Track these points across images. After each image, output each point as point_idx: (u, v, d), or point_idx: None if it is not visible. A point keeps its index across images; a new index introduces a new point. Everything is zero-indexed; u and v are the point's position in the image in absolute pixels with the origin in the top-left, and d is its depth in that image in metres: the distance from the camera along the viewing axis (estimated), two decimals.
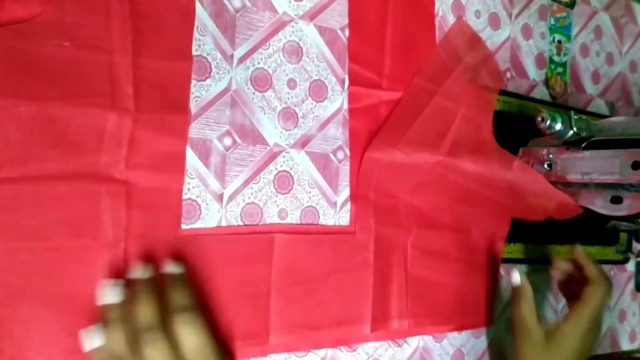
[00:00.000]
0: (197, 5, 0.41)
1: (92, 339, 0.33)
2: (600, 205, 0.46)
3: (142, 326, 0.32)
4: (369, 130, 0.49)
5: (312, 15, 0.47)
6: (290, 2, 0.46)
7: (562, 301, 0.64)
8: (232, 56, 0.43)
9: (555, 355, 0.47)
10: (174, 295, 0.35)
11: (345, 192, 0.48)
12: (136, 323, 0.33)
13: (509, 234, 0.56)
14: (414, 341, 0.51)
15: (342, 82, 0.48)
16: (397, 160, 0.47)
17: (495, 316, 0.56)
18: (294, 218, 0.45)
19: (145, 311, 0.33)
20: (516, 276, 0.50)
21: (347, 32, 0.48)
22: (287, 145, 0.45)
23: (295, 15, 0.46)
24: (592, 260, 0.51)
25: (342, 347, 0.47)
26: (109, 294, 0.35)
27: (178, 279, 0.36)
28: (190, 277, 0.38)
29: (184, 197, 0.40)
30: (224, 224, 0.42)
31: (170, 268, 0.37)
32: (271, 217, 0.44)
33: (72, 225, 0.35)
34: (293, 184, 0.45)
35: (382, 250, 0.48)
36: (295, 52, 0.46)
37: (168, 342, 0.32)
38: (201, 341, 0.33)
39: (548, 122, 0.44)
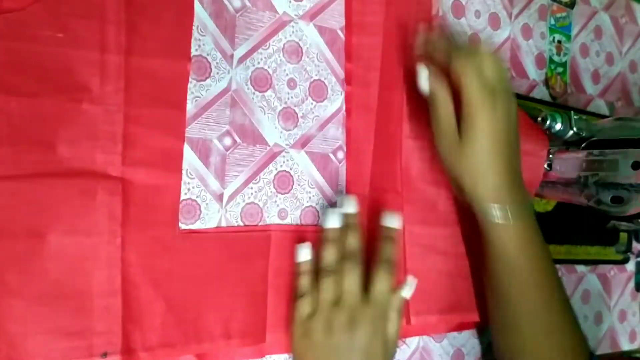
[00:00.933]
0: (197, 4, 0.41)
1: (304, 253, 0.43)
2: (600, 205, 0.46)
3: (349, 252, 0.42)
4: (365, 129, 0.48)
5: (312, 15, 0.47)
6: (290, 2, 0.46)
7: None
8: (232, 56, 0.43)
9: (472, 151, 0.41)
10: (384, 247, 0.43)
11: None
12: (346, 248, 0.42)
13: None
14: (414, 341, 0.51)
15: (342, 82, 0.48)
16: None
17: None
18: (293, 218, 0.45)
19: (353, 242, 0.42)
20: (423, 84, 0.44)
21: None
22: (287, 145, 0.45)
23: (295, 15, 0.46)
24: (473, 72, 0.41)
25: None
26: (332, 219, 0.43)
27: (391, 236, 0.44)
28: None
29: (183, 197, 0.40)
30: (223, 224, 0.42)
31: (390, 221, 0.44)
32: (271, 217, 0.44)
33: (68, 222, 0.35)
34: (293, 184, 0.45)
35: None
36: (295, 52, 0.46)
37: (361, 273, 0.42)
38: (388, 289, 0.42)
39: (548, 122, 0.44)
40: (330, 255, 0.42)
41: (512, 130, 0.42)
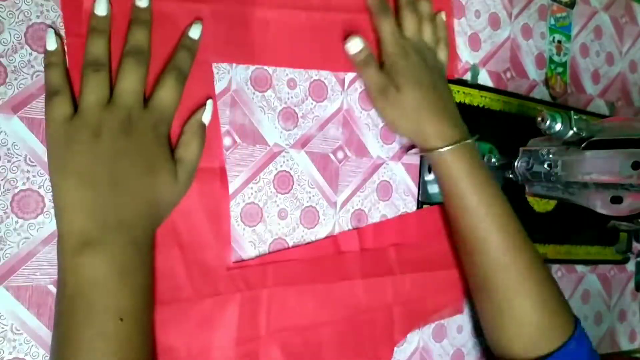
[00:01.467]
0: None
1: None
2: (600, 205, 0.46)
3: (132, 47, 0.36)
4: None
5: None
6: None
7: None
8: None
9: (404, 101, 0.45)
10: (178, 52, 0.39)
11: (346, 192, 0.48)
12: (129, 42, 0.36)
13: None
14: (414, 341, 0.51)
15: (342, 82, 0.48)
16: None
17: None
18: (293, 218, 0.45)
19: (140, 38, 0.37)
20: (355, 43, 0.46)
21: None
22: (287, 145, 0.45)
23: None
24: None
25: None
26: (100, 4, 0.35)
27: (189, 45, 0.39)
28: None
29: None
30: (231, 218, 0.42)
31: (193, 32, 0.39)
32: (271, 217, 0.44)
33: None
34: (293, 184, 0.45)
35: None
36: None
37: (144, 76, 0.36)
38: (173, 99, 0.37)
39: (548, 122, 0.44)
40: (97, 47, 0.35)
41: (432, 75, 0.47)
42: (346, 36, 0.46)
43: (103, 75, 0.35)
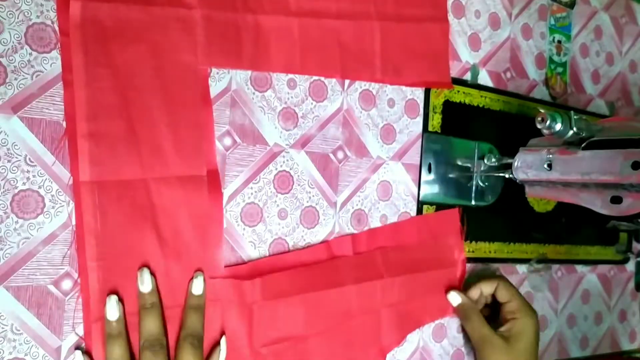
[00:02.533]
0: None
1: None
2: (600, 205, 0.46)
3: (147, 340, 0.36)
4: None
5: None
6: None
7: (562, 301, 0.64)
8: None
9: (519, 350, 0.49)
10: (188, 318, 0.38)
11: (345, 192, 0.48)
12: (143, 335, 0.37)
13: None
14: (414, 341, 0.51)
15: (342, 82, 0.48)
16: None
17: None
18: (293, 218, 0.45)
19: (152, 326, 0.37)
20: (453, 297, 0.51)
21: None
22: (287, 145, 0.45)
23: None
24: (516, 292, 0.53)
25: None
26: (111, 310, 0.36)
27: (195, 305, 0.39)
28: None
29: None
30: (224, 224, 0.42)
31: (195, 288, 0.39)
32: (271, 217, 0.44)
33: None
34: (293, 184, 0.45)
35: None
36: None
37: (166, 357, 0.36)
38: None
39: (548, 122, 0.44)
40: (116, 353, 0.35)
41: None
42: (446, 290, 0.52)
43: None
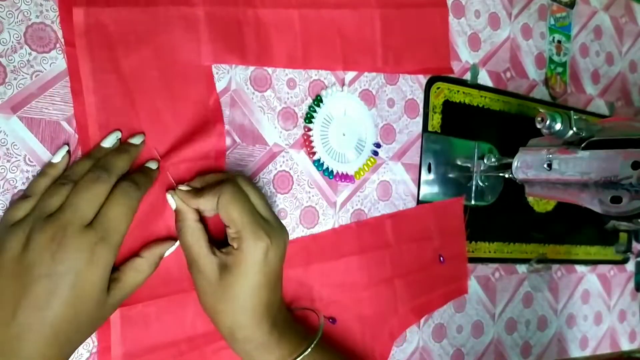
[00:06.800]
0: None
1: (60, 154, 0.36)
2: (600, 205, 0.46)
3: (105, 163, 0.35)
4: None
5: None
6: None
7: (562, 301, 0.64)
8: None
9: (231, 296, 0.36)
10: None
11: (345, 192, 0.48)
12: (106, 159, 0.35)
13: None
14: (414, 341, 0.51)
15: (342, 82, 0.48)
16: None
17: None
18: (293, 218, 0.45)
19: (120, 162, 0.35)
20: (170, 199, 0.38)
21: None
22: (286, 145, 0.45)
23: None
24: (245, 210, 0.36)
25: None
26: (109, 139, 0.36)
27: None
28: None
29: None
30: None
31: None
32: None
33: None
34: (292, 183, 0.45)
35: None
36: None
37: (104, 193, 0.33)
38: (124, 216, 0.33)
39: (548, 122, 0.44)
40: (81, 166, 0.34)
41: (280, 267, 0.38)
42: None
43: (66, 189, 0.33)
